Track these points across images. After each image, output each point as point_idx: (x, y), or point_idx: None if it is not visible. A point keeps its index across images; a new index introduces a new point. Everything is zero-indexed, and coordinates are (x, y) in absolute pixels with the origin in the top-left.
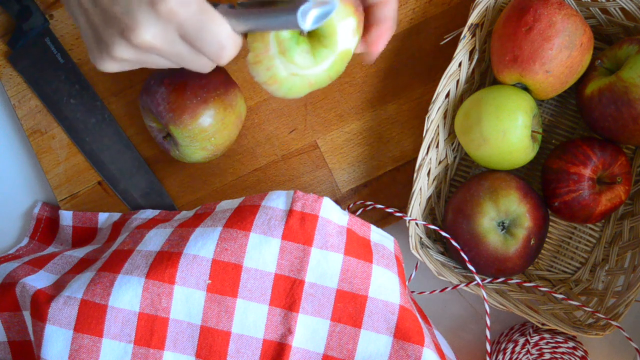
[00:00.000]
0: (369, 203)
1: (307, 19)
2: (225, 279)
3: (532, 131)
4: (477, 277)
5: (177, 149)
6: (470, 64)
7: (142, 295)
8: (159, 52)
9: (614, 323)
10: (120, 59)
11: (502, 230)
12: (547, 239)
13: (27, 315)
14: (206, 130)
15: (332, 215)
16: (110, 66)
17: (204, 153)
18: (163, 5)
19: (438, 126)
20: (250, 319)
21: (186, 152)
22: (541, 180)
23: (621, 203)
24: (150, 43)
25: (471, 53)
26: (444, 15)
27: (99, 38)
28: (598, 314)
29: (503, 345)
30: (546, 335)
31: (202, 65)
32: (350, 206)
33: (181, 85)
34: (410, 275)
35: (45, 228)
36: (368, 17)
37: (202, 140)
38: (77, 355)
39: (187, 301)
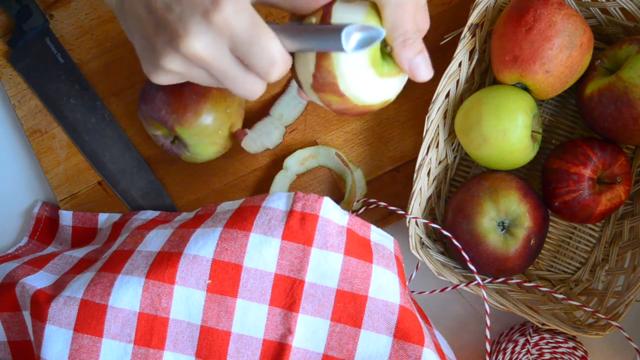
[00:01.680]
0: (372, 200)
1: (351, 41)
2: (225, 279)
3: (532, 131)
4: (477, 277)
5: (188, 150)
6: (470, 64)
7: (142, 295)
8: (207, 64)
9: (614, 323)
10: (169, 70)
11: (502, 230)
12: (547, 239)
13: (27, 315)
14: (212, 124)
15: (332, 215)
16: (160, 78)
17: (215, 148)
18: (217, 15)
19: (438, 126)
20: (250, 319)
21: (197, 151)
22: (541, 180)
23: (621, 203)
24: (199, 53)
25: (471, 53)
26: (444, 15)
27: (151, 47)
28: (598, 314)
29: (503, 345)
30: (546, 335)
31: (249, 86)
32: (354, 204)
33: (178, 85)
34: (411, 276)
35: (44, 228)
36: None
37: (210, 134)
38: (77, 355)
39: (187, 301)
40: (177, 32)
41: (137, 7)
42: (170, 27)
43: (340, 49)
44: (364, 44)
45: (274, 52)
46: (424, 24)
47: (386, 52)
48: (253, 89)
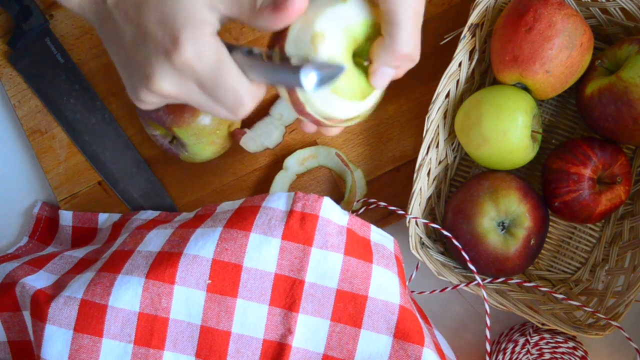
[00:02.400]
0: (372, 200)
1: (309, 80)
2: (225, 279)
3: (532, 131)
4: (477, 277)
5: (186, 150)
6: (470, 64)
7: (142, 295)
8: (179, 100)
9: (614, 323)
10: (148, 102)
11: (502, 230)
12: (547, 239)
13: (27, 315)
14: (210, 124)
15: (332, 215)
16: (143, 106)
17: (213, 148)
18: (178, 57)
19: (438, 126)
20: (250, 319)
21: (195, 151)
22: (541, 180)
23: (621, 203)
24: (167, 92)
25: (471, 53)
26: (444, 15)
27: (128, 79)
28: (598, 314)
29: (503, 345)
30: (546, 335)
31: (224, 115)
32: (354, 204)
33: None
34: (411, 276)
35: (44, 228)
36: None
37: (207, 135)
38: (77, 355)
39: (187, 301)
40: (144, 73)
41: (110, 40)
42: (139, 66)
43: (300, 87)
44: (324, 82)
45: (240, 92)
46: (417, 54)
47: (362, 63)
48: (230, 116)
